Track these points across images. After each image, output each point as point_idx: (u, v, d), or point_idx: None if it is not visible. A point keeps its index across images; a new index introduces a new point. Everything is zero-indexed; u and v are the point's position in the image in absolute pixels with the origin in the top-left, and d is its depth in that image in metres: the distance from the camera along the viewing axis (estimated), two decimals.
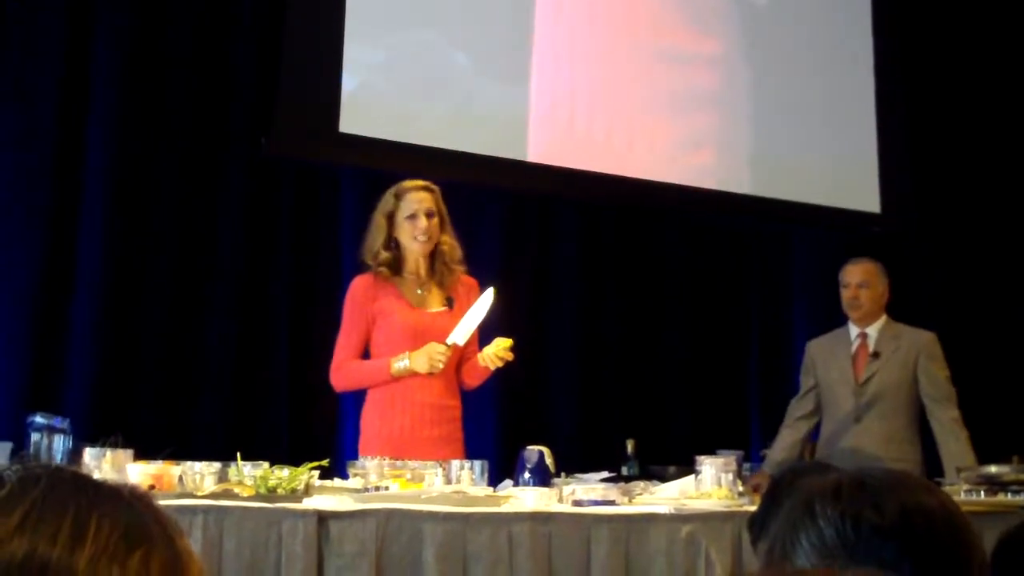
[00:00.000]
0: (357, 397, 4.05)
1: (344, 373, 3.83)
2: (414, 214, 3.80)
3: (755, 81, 6.15)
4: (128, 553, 0.79)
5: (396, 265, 3.83)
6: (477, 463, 3.34)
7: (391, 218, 3.83)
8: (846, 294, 4.72)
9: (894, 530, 1.09)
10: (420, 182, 3.88)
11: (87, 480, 0.84)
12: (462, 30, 5.39)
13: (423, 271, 3.87)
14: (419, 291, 3.85)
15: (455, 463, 3.33)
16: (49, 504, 0.79)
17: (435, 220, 3.83)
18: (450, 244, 3.88)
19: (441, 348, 3.66)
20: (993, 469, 3.95)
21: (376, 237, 3.85)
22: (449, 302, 3.87)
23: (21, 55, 4.58)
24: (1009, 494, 3.76)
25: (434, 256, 3.87)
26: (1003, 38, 6.76)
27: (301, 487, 2.92)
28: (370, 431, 3.83)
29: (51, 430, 3.13)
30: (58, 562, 0.76)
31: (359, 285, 3.86)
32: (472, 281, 3.94)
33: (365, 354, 3.85)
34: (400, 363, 3.70)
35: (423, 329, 3.78)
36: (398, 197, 3.84)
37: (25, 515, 0.77)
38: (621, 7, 5.82)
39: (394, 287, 3.84)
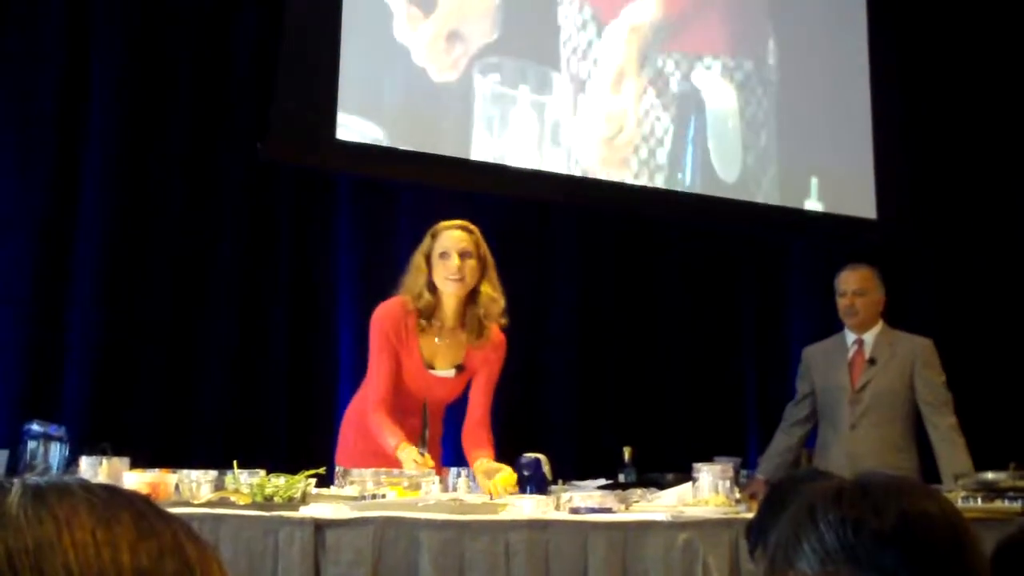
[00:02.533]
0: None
1: (374, 420, 3.68)
2: (447, 252, 3.64)
3: (753, 89, 6.16)
4: (212, 554, 0.79)
5: (431, 311, 3.69)
6: (453, 470, 3.33)
7: (428, 259, 3.67)
8: (842, 302, 4.72)
9: (895, 536, 1.09)
10: (458, 221, 3.72)
11: (133, 494, 0.83)
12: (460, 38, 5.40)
13: (451, 321, 3.72)
14: (436, 340, 3.72)
15: (453, 470, 3.32)
16: (143, 522, 0.78)
17: (471, 261, 3.65)
18: (490, 296, 3.70)
19: (416, 456, 3.47)
20: (990, 476, 3.95)
21: (417, 278, 3.67)
22: (459, 368, 3.76)
23: (20, 60, 4.59)
24: (1006, 501, 3.76)
25: (470, 304, 3.71)
26: (999, 43, 6.77)
27: (298, 495, 2.91)
28: (347, 444, 3.83)
29: (47, 438, 3.13)
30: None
31: (387, 316, 3.70)
32: (500, 339, 3.80)
33: None
34: (404, 454, 3.51)
35: (423, 391, 3.74)
36: (434, 236, 3.69)
37: (135, 535, 0.76)
38: (624, 15, 5.83)
39: (415, 334, 3.70)
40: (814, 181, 6.26)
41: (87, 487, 0.77)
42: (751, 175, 6.09)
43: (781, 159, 6.18)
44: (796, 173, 6.21)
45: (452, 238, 3.66)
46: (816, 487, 1.17)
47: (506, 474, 3.42)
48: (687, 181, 5.92)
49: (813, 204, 6.21)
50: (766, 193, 6.11)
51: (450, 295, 3.68)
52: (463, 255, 3.64)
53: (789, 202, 6.15)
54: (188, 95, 4.89)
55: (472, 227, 3.72)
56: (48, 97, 4.64)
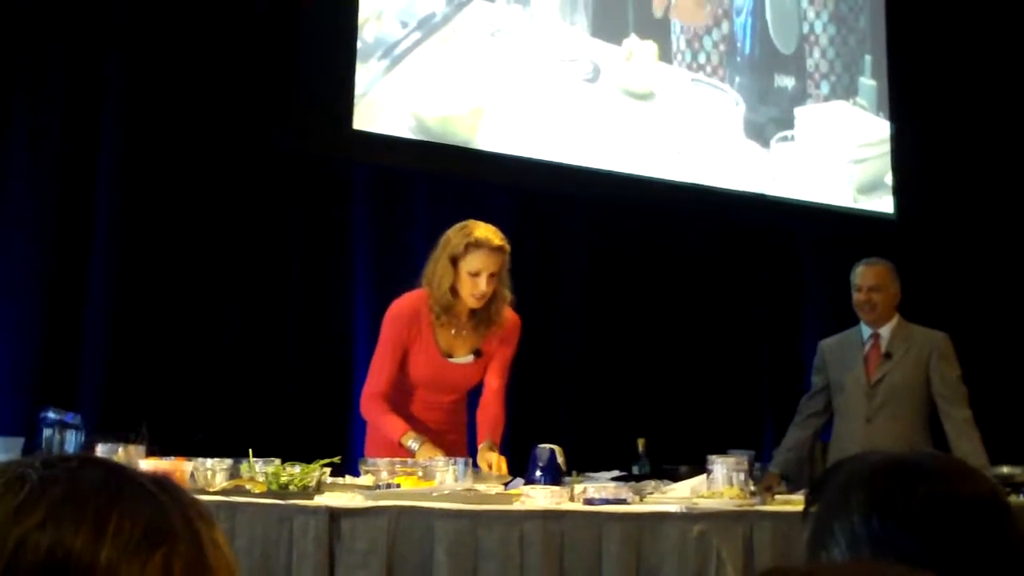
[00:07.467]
0: None
1: (370, 410, 3.76)
2: (478, 273, 3.65)
3: (771, 83, 6.18)
4: (150, 551, 0.79)
5: (450, 309, 3.71)
6: (461, 460, 3.34)
7: (456, 264, 3.67)
8: (858, 297, 4.68)
9: (918, 520, 1.04)
10: (496, 239, 3.68)
11: (113, 475, 0.83)
12: (475, 27, 5.39)
13: (464, 316, 3.76)
14: (452, 332, 3.77)
15: (440, 461, 3.32)
16: (70, 502, 0.78)
17: (495, 280, 3.67)
18: (502, 295, 3.75)
19: (428, 449, 3.56)
20: (1006, 470, 3.95)
21: (442, 279, 3.68)
22: (477, 353, 3.81)
23: (32, 52, 4.59)
24: (1022, 495, 3.75)
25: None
26: (1016, 39, 6.75)
27: (313, 484, 2.92)
28: (375, 434, 3.84)
29: (63, 425, 3.14)
30: (80, 553, 0.76)
31: (402, 313, 3.75)
32: (515, 320, 3.86)
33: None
34: (411, 443, 3.58)
35: (443, 379, 3.78)
36: (467, 248, 3.65)
37: (46, 514, 0.77)
38: (639, 12, 5.83)
39: (431, 327, 3.75)
40: (868, 59, 6.41)
41: (44, 480, 0.80)
42: (808, 48, 6.33)
43: (799, 153, 6.19)
44: (814, 167, 6.22)
45: (486, 261, 3.65)
46: (851, 467, 1.13)
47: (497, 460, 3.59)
48: (746, 50, 6.12)
49: (867, 80, 6.47)
50: (784, 187, 6.11)
51: (469, 304, 3.72)
52: (491, 277, 3.66)
53: (807, 196, 6.17)
54: (204, 85, 4.89)
55: (505, 245, 3.71)
56: (62, 88, 4.63)
